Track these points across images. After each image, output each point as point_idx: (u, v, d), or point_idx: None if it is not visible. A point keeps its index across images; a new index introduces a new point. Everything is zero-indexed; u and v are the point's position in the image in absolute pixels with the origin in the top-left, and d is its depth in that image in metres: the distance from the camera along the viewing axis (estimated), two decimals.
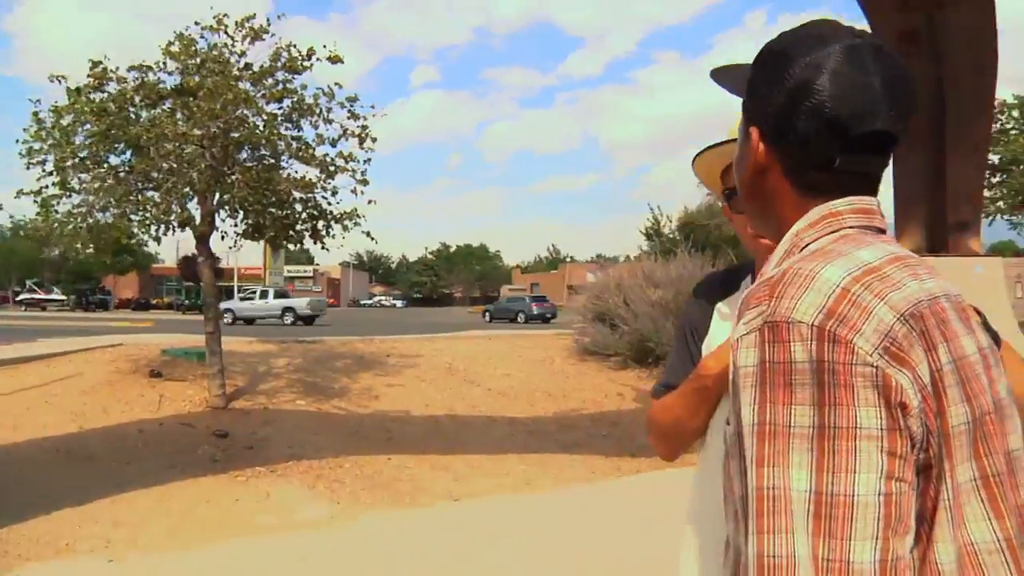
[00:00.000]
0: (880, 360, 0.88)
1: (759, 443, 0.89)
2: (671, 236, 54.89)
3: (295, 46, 9.77)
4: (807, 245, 1.03)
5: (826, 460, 0.86)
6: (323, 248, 10.56)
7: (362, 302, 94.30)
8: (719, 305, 1.78)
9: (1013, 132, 29.27)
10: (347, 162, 10.20)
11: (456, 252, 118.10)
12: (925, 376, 0.90)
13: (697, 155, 1.70)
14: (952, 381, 0.93)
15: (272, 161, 10.04)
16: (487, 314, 47.06)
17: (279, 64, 9.60)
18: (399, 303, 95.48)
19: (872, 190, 1.07)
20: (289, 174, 10.22)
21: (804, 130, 1.03)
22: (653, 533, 6.00)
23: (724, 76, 1.30)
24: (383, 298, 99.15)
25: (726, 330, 1.70)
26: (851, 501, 0.84)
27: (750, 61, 1.17)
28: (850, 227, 1.03)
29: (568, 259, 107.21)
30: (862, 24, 9.48)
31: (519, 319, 42.86)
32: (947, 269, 2.23)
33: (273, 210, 10.16)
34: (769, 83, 1.08)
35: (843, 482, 0.85)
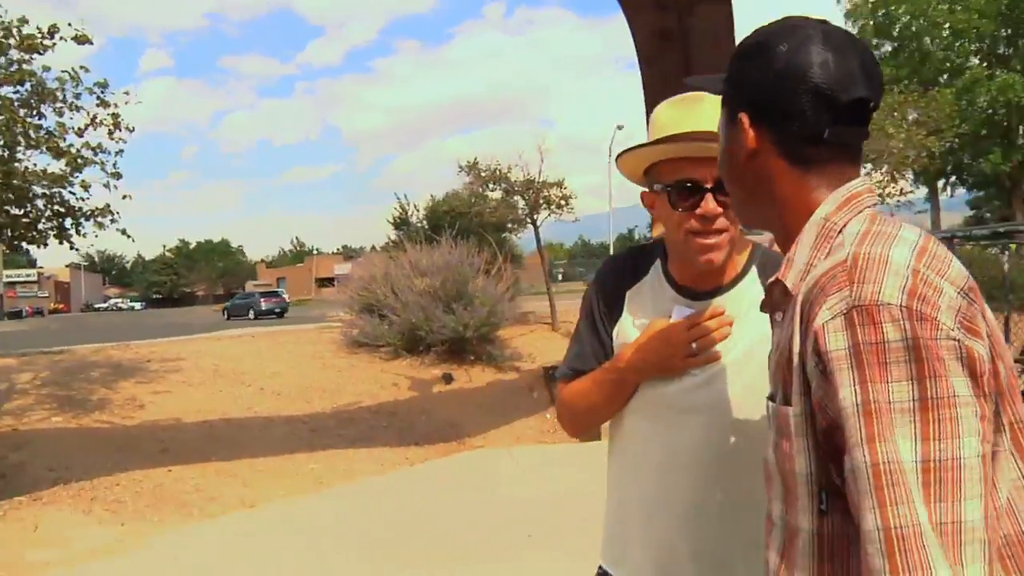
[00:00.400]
0: (959, 333, 0.95)
1: (867, 421, 0.93)
2: (420, 225, 55.15)
3: (27, 22, 8.77)
4: (844, 227, 1.09)
5: (931, 429, 0.91)
6: (72, 248, 9.61)
7: (96, 306, 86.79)
8: (629, 292, 1.77)
9: None
10: (96, 154, 9.32)
11: (197, 249, 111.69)
12: (987, 343, 0.98)
13: (619, 155, 1.72)
14: (995, 343, 1.01)
15: (7, 153, 8.95)
16: (225, 312, 45.23)
17: (11, 42, 8.55)
18: (137, 305, 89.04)
19: (857, 159, 1.16)
20: (27, 167, 9.18)
21: (794, 105, 1.10)
22: (454, 515, 6.09)
23: (699, 82, 1.36)
24: (119, 300, 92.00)
25: (640, 318, 1.72)
26: (958, 464, 0.90)
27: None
28: (868, 206, 1.11)
29: (314, 251, 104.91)
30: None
31: (250, 315, 41.43)
32: None
33: (10, 208, 9.08)
34: (755, 69, 1.14)
35: (949, 448, 0.91)
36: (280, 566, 5.12)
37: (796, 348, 1.04)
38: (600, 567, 1.84)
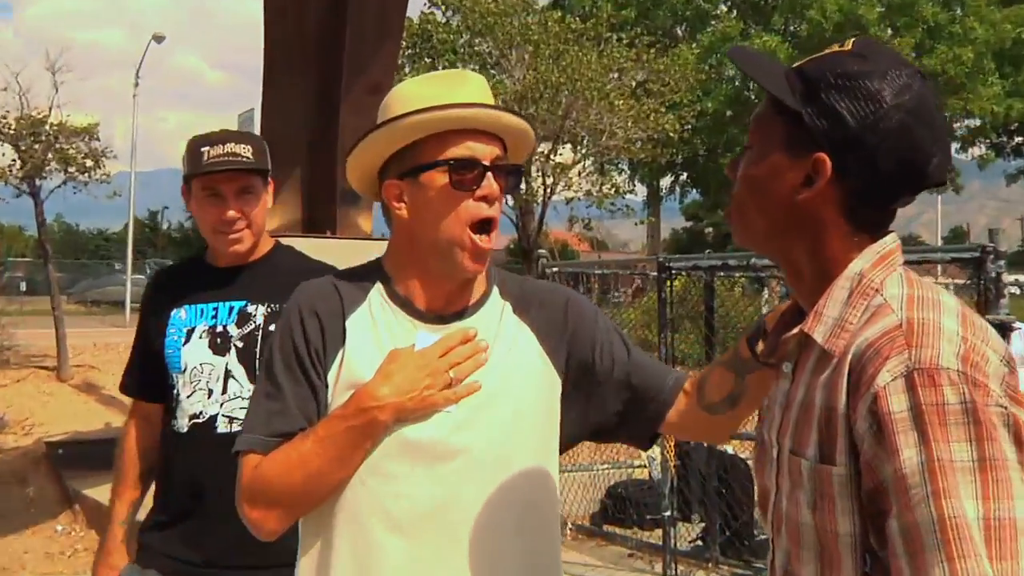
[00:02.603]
0: (1006, 401, 1.11)
1: (932, 478, 1.07)
2: None
3: None
4: (880, 286, 1.21)
5: (989, 489, 1.06)
6: None
7: None
8: (349, 322, 1.56)
9: None
10: None
11: None
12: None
13: (355, 150, 1.54)
14: None
15: None
16: None
17: None
18: None
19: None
20: None
21: (888, 171, 1.17)
22: None
23: (744, 60, 1.31)
24: None
25: (374, 351, 1.53)
26: (1014, 524, 1.06)
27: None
28: (900, 263, 1.24)
29: None
30: None
31: None
32: (338, 255, 2.30)
33: None
34: (857, 116, 1.15)
35: (1006, 508, 1.06)
36: None
37: (842, 409, 1.15)
38: None
